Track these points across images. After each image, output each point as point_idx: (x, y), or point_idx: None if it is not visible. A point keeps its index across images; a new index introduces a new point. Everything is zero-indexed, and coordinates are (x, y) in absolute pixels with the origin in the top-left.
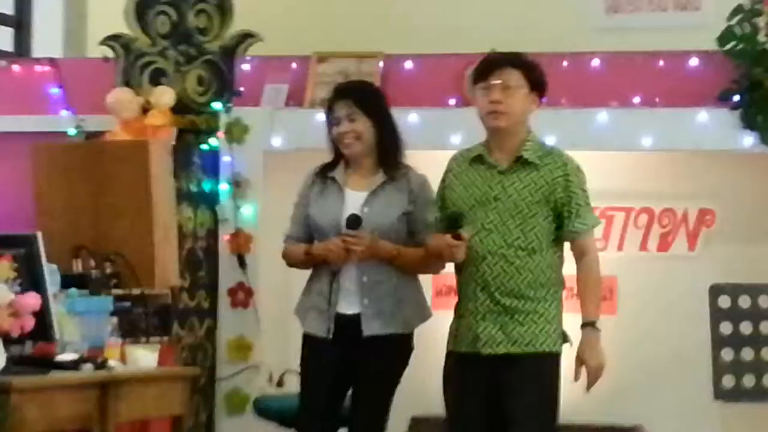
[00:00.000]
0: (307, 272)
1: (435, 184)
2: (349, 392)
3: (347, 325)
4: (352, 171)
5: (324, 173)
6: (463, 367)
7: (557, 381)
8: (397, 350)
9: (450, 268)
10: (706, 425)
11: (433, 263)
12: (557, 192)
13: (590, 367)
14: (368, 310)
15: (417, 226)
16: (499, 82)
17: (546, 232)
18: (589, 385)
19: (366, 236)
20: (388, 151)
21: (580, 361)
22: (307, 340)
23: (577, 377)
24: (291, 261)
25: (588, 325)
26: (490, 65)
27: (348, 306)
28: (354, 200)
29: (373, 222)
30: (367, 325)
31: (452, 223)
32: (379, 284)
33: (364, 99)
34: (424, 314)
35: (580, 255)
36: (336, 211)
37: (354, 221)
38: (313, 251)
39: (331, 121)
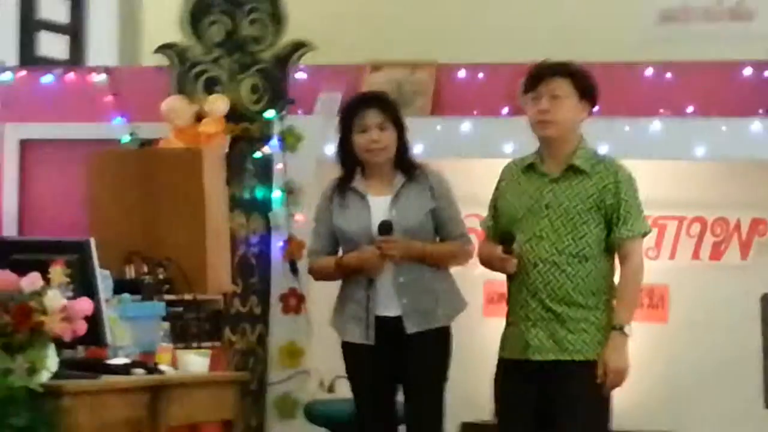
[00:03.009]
0: None
1: (488, 193)
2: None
3: (388, 327)
4: (371, 178)
5: (342, 185)
6: (513, 373)
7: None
8: (440, 343)
9: (499, 275)
10: None
11: (461, 257)
12: (608, 199)
13: (610, 370)
14: (408, 308)
15: (442, 220)
16: (547, 91)
17: (597, 240)
18: (608, 386)
19: (399, 240)
20: (404, 154)
21: (603, 362)
22: (350, 348)
23: (599, 379)
24: (320, 274)
25: (616, 328)
26: (538, 75)
27: (386, 309)
28: (379, 206)
29: (402, 224)
30: (409, 324)
31: (505, 234)
32: (415, 282)
33: (391, 108)
34: (461, 305)
35: (623, 261)
36: (365, 220)
37: (387, 227)
38: (345, 261)
39: (352, 129)
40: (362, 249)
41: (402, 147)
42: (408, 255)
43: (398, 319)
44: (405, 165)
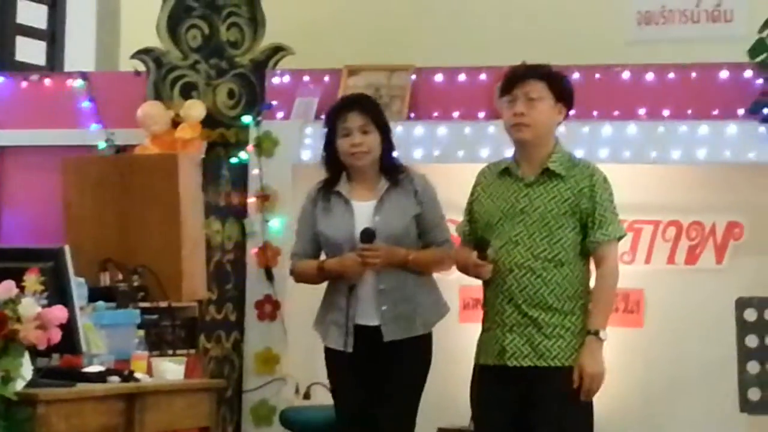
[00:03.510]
0: None
1: (465, 198)
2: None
3: (368, 335)
4: (355, 182)
5: (327, 189)
6: (489, 379)
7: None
8: (419, 351)
9: (475, 280)
10: None
11: (445, 263)
12: (583, 203)
13: (586, 374)
14: (387, 316)
15: (426, 225)
16: (522, 93)
17: (573, 244)
18: (584, 392)
19: (381, 248)
20: (389, 158)
21: (579, 367)
22: (330, 354)
23: (575, 384)
24: (302, 278)
25: (592, 333)
26: (513, 77)
27: (367, 317)
28: (363, 211)
29: (386, 230)
30: (387, 331)
31: (480, 240)
32: (396, 290)
33: (375, 111)
34: (441, 311)
35: (598, 264)
36: (348, 226)
37: (369, 235)
38: (327, 267)
39: (336, 133)
40: (344, 255)
41: (386, 150)
42: (390, 263)
43: (377, 329)
44: (389, 169)
